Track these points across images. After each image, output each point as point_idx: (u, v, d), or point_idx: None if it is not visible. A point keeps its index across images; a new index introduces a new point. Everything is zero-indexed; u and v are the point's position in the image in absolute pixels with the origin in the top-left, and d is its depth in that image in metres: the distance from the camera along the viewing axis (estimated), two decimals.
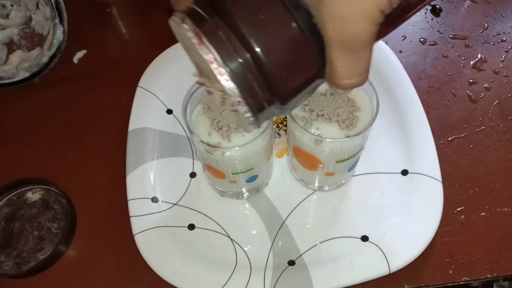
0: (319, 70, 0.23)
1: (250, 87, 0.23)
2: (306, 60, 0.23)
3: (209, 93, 0.27)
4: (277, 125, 0.53)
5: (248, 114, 0.24)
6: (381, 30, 0.22)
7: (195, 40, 0.22)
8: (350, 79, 0.23)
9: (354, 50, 0.22)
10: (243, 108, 0.23)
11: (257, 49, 0.22)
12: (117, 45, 0.65)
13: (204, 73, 0.26)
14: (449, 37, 0.61)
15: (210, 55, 0.22)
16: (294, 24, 0.22)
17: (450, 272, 0.43)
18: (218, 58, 0.22)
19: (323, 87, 0.41)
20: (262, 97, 0.23)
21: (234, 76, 0.22)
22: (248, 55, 0.22)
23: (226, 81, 0.22)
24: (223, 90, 0.23)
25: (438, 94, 0.56)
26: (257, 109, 0.24)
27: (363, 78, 0.23)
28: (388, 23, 0.22)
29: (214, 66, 0.22)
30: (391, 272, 0.41)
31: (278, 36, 0.22)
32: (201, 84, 0.27)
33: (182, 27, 0.23)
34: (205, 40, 0.22)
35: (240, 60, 0.22)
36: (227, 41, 0.22)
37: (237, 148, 0.38)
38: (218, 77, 0.22)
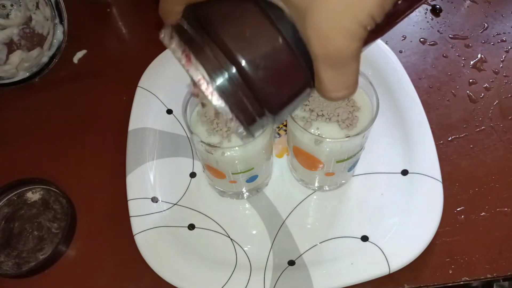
0: (307, 82, 0.24)
1: (240, 104, 0.23)
2: (294, 73, 0.23)
3: (203, 105, 0.27)
4: None
5: (241, 130, 0.24)
6: (370, 37, 0.22)
7: (183, 61, 0.22)
8: (338, 92, 0.23)
9: (339, 65, 0.22)
10: (235, 124, 0.24)
11: (245, 66, 0.22)
12: (117, 45, 0.65)
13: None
14: (449, 37, 0.61)
15: (199, 76, 0.22)
16: (280, 40, 0.22)
17: (450, 272, 0.43)
18: (207, 77, 0.22)
19: None
20: (252, 111, 0.23)
21: (223, 94, 0.22)
22: (235, 72, 0.22)
23: (216, 100, 0.22)
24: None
25: (438, 94, 0.56)
26: (249, 123, 0.24)
27: (351, 90, 0.23)
28: (376, 31, 0.22)
29: (203, 86, 0.22)
30: (391, 272, 0.41)
31: (265, 52, 0.22)
32: (195, 95, 0.27)
33: (171, 47, 0.23)
34: (193, 59, 0.22)
35: (228, 78, 0.22)
36: (215, 58, 0.22)
37: (237, 148, 0.38)
38: (209, 96, 0.22)
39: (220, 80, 0.22)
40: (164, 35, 0.24)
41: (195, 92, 0.27)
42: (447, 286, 0.43)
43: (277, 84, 0.23)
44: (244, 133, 0.25)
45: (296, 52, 0.22)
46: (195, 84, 0.26)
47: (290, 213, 0.47)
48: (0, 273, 0.44)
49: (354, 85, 0.23)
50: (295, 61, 0.22)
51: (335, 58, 0.21)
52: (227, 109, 0.23)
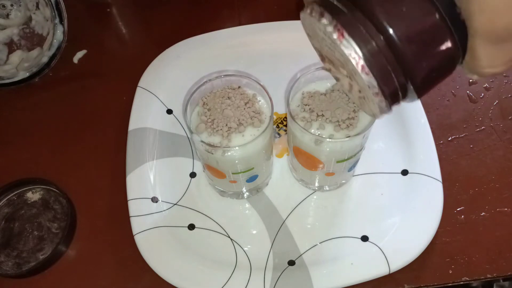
0: (457, 58, 0.23)
1: (387, 78, 0.23)
2: (446, 49, 0.23)
3: (337, 79, 0.28)
4: (277, 125, 0.53)
5: (383, 104, 0.25)
6: None
7: (335, 35, 0.23)
8: (494, 68, 0.23)
9: (503, 41, 0.21)
10: (379, 99, 0.24)
11: (397, 41, 0.22)
12: (117, 45, 0.65)
13: (328, 59, 0.27)
14: None
15: (351, 50, 0.22)
16: (437, 15, 0.22)
17: (450, 272, 0.43)
18: (359, 52, 0.22)
19: (323, 86, 0.41)
20: (398, 86, 0.24)
21: (373, 69, 0.23)
22: (387, 47, 0.22)
23: (366, 75, 0.23)
24: (351, 77, 0.24)
25: (438, 94, 0.56)
26: (392, 98, 0.25)
27: (508, 66, 0.23)
28: None
29: (354, 61, 0.23)
30: (391, 272, 0.41)
31: (419, 28, 0.22)
32: (327, 70, 0.28)
33: (321, 22, 0.23)
34: (345, 34, 0.22)
35: (379, 53, 0.22)
36: (367, 33, 0.22)
37: (237, 148, 0.38)
38: (359, 71, 0.23)
39: (370, 54, 0.22)
40: (311, 11, 0.24)
41: (327, 67, 0.28)
42: (447, 286, 0.43)
43: (428, 60, 0.23)
44: (386, 107, 0.25)
45: (451, 27, 0.22)
46: (323, 59, 0.27)
47: (290, 213, 0.47)
48: (0, 273, 0.44)
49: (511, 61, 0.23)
50: (450, 36, 0.22)
51: (500, 34, 0.21)
52: (375, 83, 0.23)
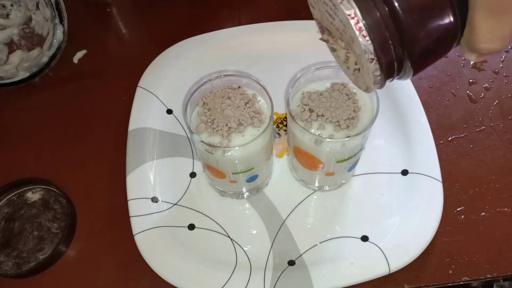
0: (456, 32, 0.23)
1: (384, 45, 0.23)
2: (446, 22, 0.23)
3: (333, 50, 0.27)
4: (277, 125, 0.53)
5: (378, 73, 0.24)
6: None
7: None
8: (492, 43, 0.22)
9: (504, 13, 0.21)
10: (374, 66, 0.24)
11: (398, 7, 0.22)
12: (117, 45, 0.65)
13: (327, 31, 0.27)
14: None
15: (351, 10, 0.22)
16: None
17: (450, 272, 0.43)
18: (359, 13, 0.22)
19: (323, 86, 0.41)
20: (394, 55, 0.24)
21: (371, 33, 0.23)
22: (388, 11, 0.22)
23: (363, 38, 0.23)
24: (349, 48, 0.24)
25: (438, 94, 0.56)
26: (387, 67, 0.24)
27: (506, 42, 0.23)
28: None
29: (353, 21, 0.22)
30: (391, 272, 0.41)
31: None
32: (324, 41, 0.28)
33: None
34: None
35: (379, 17, 0.22)
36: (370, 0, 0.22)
37: (237, 148, 0.38)
38: (356, 32, 0.23)
39: (371, 18, 0.22)
40: None
41: (325, 38, 0.27)
42: (447, 286, 0.43)
43: (428, 32, 0.23)
44: (379, 77, 0.25)
45: (453, 1, 0.22)
46: (323, 31, 0.27)
47: (290, 213, 0.47)
48: (0, 273, 0.44)
49: (510, 37, 0.22)
50: (450, 9, 0.22)
51: (503, 5, 0.21)
52: (371, 48, 0.23)
